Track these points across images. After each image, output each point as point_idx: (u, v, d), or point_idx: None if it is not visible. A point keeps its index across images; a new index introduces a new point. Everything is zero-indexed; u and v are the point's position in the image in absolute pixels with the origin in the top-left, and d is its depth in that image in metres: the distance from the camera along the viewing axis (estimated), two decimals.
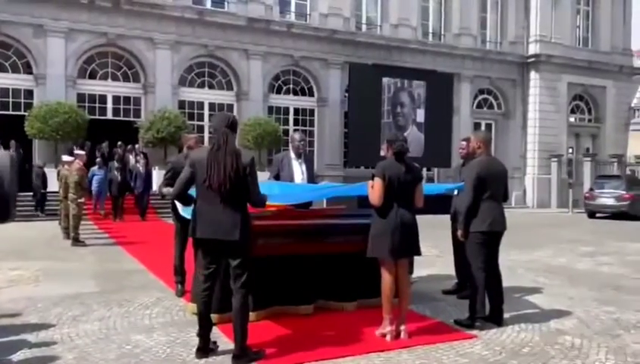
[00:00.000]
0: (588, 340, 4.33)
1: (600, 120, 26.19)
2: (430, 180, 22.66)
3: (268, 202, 3.95)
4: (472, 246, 4.66)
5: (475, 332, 4.45)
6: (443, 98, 20.64)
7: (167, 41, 18.24)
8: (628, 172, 23.22)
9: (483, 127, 24.46)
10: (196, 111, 19.39)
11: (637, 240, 11.76)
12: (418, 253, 4.34)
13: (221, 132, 3.67)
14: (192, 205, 3.81)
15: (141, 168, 14.66)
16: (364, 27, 21.97)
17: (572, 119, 25.88)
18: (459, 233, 4.77)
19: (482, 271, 4.61)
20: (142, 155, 15.64)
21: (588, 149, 25.67)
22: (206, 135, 19.27)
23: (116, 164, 14.69)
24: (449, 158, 20.50)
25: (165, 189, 5.40)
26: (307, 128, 21.00)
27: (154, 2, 17.82)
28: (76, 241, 9.59)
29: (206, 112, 19.53)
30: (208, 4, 19.37)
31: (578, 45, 25.67)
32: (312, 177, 6.14)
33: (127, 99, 18.42)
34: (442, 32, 23.37)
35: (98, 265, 7.68)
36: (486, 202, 4.63)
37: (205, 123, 19.41)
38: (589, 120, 26.48)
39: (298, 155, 6.01)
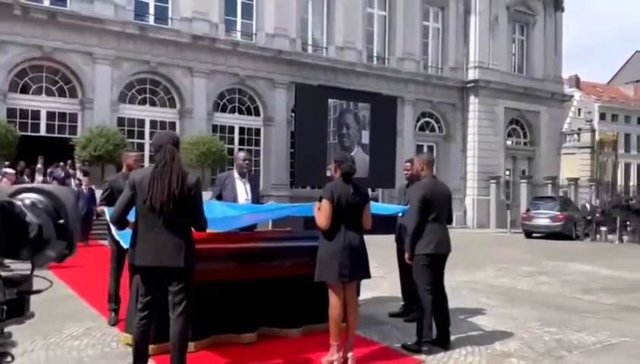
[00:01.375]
0: (532, 362, 4.33)
1: (534, 144, 27.40)
2: (375, 200, 22.86)
3: (208, 229, 3.73)
4: (417, 268, 4.61)
5: (422, 357, 4.37)
6: (388, 121, 20.98)
7: (107, 56, 17.64)
8: (561, 194, 24.31)
9: (425, 149, 25.04)
10: (136, 129, 18.78)
11: (572, 260, 12.19)
12: (368, 276, 4.24)
13: (167, 149, 3.43)
14: (129, 230, 3.56)
15: (84, 188, 13.58)
16: (310, 49, 22.12)
17: (508, 142, 26.93)
18: (406, 255, 4.72)
19: (429, 294, 4.55)
20: (82, 174, 14.78)
21: (524, 171, 26.75)
22: (146, 153, 18.67)
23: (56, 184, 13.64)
24: (393, 179, 20.80)
25: (100, 209, 5.08)
26: (253, 147, 20.77)
27: (94, 16, 17.23)
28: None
29: (147, 130, 18.95)
30: (151, 20, 18.96)
31: (514, 71, 26.90)
32: (256, 198, 5.96)
33: (62, 115, 17.60)
34: (386, 56, 23.87)
35: None
36: (431, 224, 4.61)
37: (146, 141, 18.81)
38: (525, 144, 27.65)
39: (242, 175, 5.83)
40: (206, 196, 5.81)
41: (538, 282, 8.78)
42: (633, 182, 40.77)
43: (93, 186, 14.03)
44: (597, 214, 18.96)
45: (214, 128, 19.88)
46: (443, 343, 4.59)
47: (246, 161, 5.94)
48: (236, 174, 5.83)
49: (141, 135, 18.85)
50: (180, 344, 3.39)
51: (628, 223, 18.61)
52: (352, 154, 20.78)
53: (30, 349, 4.37)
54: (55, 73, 17.42)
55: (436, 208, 4.62)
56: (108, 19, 17.48)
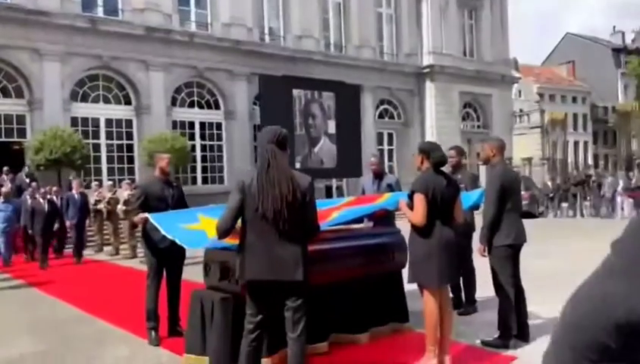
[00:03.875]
0: None
1: (488, 126, 28.04)
2: (339, 189, 22.72)
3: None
4: (498, 260, 4.38)
5: (510, 353, 4.16)
6: (352, 110, 20.73)
7: (55, 52, 16.35)
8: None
9: (385, 137, 25.14)
10: (90, 129, 17.55)
11: (570, 236, 12.43)
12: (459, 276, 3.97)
13: (267, 150, 3.00)
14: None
15: (75, 193, 11.61)
16: (267, 38, 21.51)
17: (461, 126, 27.41)
18: (480, 247, 4.47)
19: (512, 286, 4.35)
20: (73, 177, 13.25)
21: (478, 154, 27.32)
22: (103, 154, 17.63)
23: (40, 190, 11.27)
24: (359, 169, 20.69)
25: (140, 217, 4.53)
26: (215, 142, 20.07)
27: (39, 9, 15.89)
28: None
29: (102, 129, 17.82)
30: (100, 12, 17.74)
31: (465, 56, 27.34)
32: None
33: (8, 117, 16.21)
34: (343, 44, 23.62)
35: (24, 314, 6.36)
36: (508, 213, 4.39)
37: (102, 141, 17.72)
38: (478, 127, 28.26)
39: (376, 176, 6.09)
40: None
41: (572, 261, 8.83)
42: (572, 158, 42.86)
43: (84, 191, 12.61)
44: (561, 192, 19.65)
45: (174, 124, 18.96)
46: (524, 336, 4.41)
47: (380, 162, 6.36)
48: (371, 177, 6.17)
49: (96, 135, 17.67)
50: None
51: (588, 198, 19.41)
52: (319, 144, 20.48)
53: None
54: None
55: (512, 197, 4.41)
56: (54, 12, 16.18)
